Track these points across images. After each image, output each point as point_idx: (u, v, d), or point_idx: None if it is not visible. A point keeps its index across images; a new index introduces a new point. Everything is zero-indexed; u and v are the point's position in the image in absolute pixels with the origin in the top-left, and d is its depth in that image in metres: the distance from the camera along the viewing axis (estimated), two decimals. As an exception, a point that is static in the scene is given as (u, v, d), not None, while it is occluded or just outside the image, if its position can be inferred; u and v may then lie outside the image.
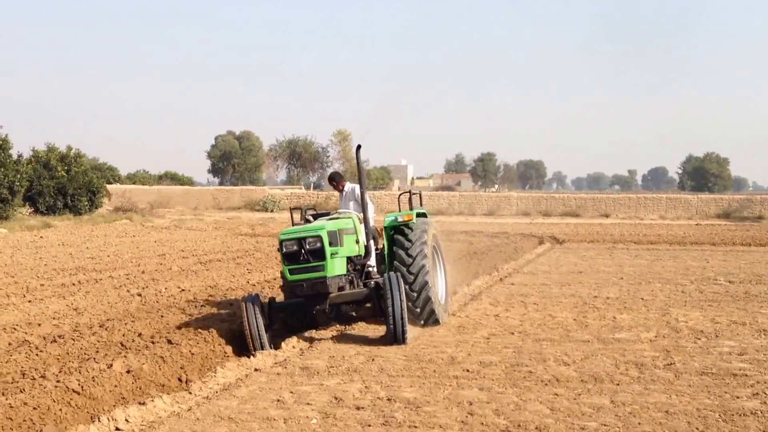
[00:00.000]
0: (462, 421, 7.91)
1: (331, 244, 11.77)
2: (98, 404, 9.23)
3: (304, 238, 11.70)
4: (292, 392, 9.22)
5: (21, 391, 8.96)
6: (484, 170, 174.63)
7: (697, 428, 7.57)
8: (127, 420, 8.21)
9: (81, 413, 8.77)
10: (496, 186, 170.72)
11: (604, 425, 7.69)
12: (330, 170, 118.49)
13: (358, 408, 8.54)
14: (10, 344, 11.86)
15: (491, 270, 22.77)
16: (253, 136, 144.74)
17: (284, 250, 11.77)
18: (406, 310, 11.54)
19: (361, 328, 13.23)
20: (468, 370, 10.13)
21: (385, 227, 13.53)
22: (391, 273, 11.88)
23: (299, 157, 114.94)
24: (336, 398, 8.92)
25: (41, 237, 35.90)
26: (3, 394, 8.89)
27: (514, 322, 13.71)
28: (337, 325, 13.52)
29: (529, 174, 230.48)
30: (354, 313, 14.00)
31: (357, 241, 12.92)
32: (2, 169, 44.71)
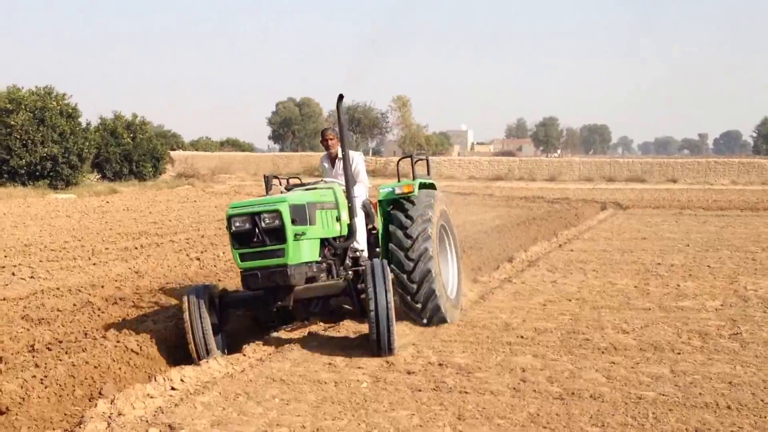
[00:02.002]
0: (514, 388, 7.83)
1: (294, 222, 9.11)
2: (155, 364, 9.52)
3: (258, 214, 9.01)
4: (344, 356, 9.24)
5: (83, 351, 9.19)
6: (546, 135, 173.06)
7: (762, 400, 7.35)
8: (182, 380, 8.30)
9: (139, 373, 9.01)
10: (558, 151, 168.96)
11: (663, 395, 7.53)
12: (389, 137, 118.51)
13: (409, 373, 8.50)
14: (74, 305, 12.07)
15: (550, 236, 22.54)
16: (313, 103, 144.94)
17: (233, 228, 9.05)
18: (393, 309, 8.99)
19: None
20: (522, 337, 10.04)
21: (379, 201, 11.05)
22: (375, 260, 9.31)
23: (358, 123, 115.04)
24: (387, 362, 8.90)
25: (107, 202, 36.48)
26: (66, 353, 9.14)
27: (572, 289, 13.54)
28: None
29: (592, 139, 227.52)
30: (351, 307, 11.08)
31: (338, 219, 10.30)
32: (72, 137, 45.59)
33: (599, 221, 28.32)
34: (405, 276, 10.30)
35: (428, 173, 12.32)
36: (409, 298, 10.36)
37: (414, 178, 11.33)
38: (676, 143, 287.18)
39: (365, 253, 11.11)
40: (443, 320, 10.54)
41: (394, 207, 10.90)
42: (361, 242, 11.07)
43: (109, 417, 7.19)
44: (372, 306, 8.89)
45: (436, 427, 6.73)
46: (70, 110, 46.97)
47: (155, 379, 8.30)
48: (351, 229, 10.27)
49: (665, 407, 7.16)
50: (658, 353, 9.14)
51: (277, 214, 9.00)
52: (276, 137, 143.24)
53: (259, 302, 9.88)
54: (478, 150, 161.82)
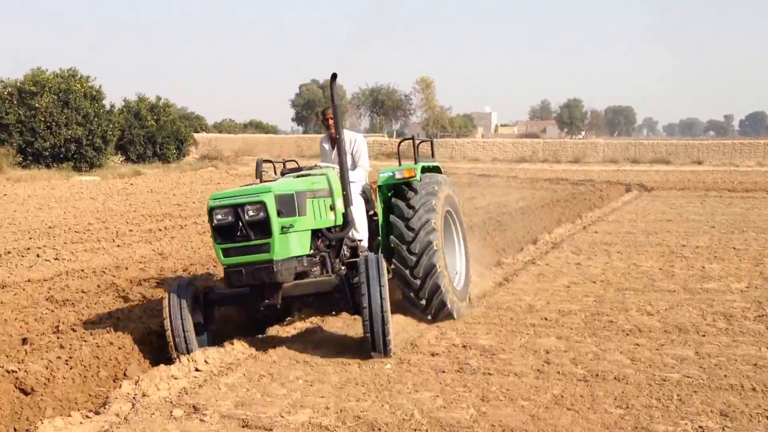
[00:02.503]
0: (538, 370, 7.82)
1: (281, 214, 8.38)
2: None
3: (242, 206, 8.30)
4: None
5: (107, 332, 9.25)
6: (570, 117, 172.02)
7: (786, 382, 7.32)
8: (206, 361, 8.34)
9: (162, 354, 8.99)
10: (583, 133, 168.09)
11: (688, 377, 7.49)
12: (413, 119, 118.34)
13: (432, 354, 8.51)
14: (98, 286, 12.14)
15: (574, 218, 22.44)
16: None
17: (214, 221, 8.38)
18: (388, 306, 8.27)
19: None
20: (546, 319, 10.02)
21: (379, 186, 10.33)
22: (370, 254, 8.57)
23: (382, 105, 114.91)
24: (412, 344, 8.90)
25: (131, 184, 36.63)
26: (90, 334, 9.20)
27: (596, 271, 13.49)
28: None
29: (617, 120, 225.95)
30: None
31: (332, 208, 9.48)
32: (96, 119, 45.76)
33: (624, 203, 28.18)
34: (408, 271, 9.61)
35: (432, 155, 11.75)
36: (412, 294, 9.70)
37: (416, 162, 10.59)
38: (701, 125, 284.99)
39: (365, 243, 10.22)
40: (449, 316, 9.88)
41: (395, 194, 10.19)
42: (360, 231, 10.15)
43: (134, 398, 7.24)
44: (365, 302, 8.18)
45: (459, 408, 6.73)
46: (94, 92, 47.08)
47: (179, 360, 8.35)
48: (347, 218, 9.41)
49: (690, 389, 7.13)
50: (682, 335, 9.10)
51: (262, 205, 8.26)
52: (299, 119, 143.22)
53: (246, 300, 9.07)
54: (501, 132, 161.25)
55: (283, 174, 9.96)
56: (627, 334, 9.19)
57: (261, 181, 9.47)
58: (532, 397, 6.99)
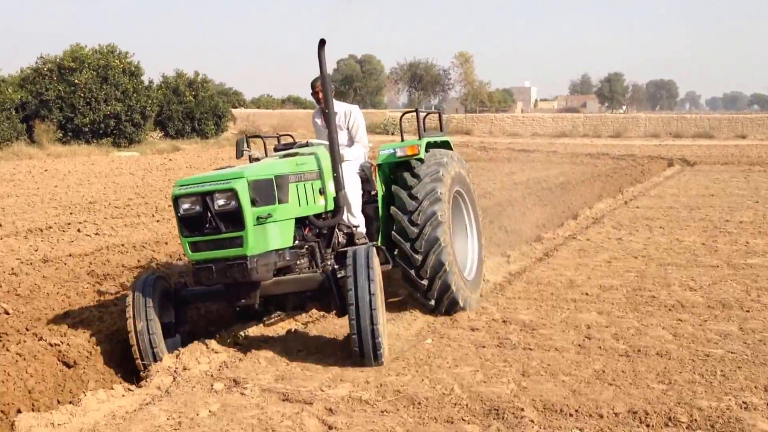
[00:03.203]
0: (579, 345, 7.79)
1: (256, 203, 7.34)
2: (220, 320, 9.63)
3: (210, 194, 7.25)
4: (410, 312, 9.24)
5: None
6: (611, 91, 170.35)
7: (830, 357, 7.23)
8: (245, 335, 8.40)
9: (203, 328, 9.07)
10: (624, 107, 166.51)
11: (731, 352, 7.42)
12: (452, 94, 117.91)
13: (473, 329, 8.51)
14: (138, 261, 12.26)
15: (615, 193, 22.30)
16: (374, 60, 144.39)
17: (180, 211, 7.34)
18: (379, 306, 7.32)
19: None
20: (587, 294, 9.97)
21: (379, 165, 9.38)
22: (359, 248, 7.57)
23: (420, 80, 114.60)
24: (451, 319, 8.91)
25: (170, 160, 36.89)
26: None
27: (638, 246, 13.39)
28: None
29: (659, 94, 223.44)
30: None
31: (321, 192, 8.46)
32: (135, 95, 46.12)
33: (666, 178, 27.91)
34: (413, 271, 8.82)
35: (441, 129, 10.64)
36: (413, 272, 8.83)
37: (420, 136, 9.54)
38: (745, 98, 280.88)
39: (362, 228, 9.25)
40: (455, 303, 8.98)
41: (396, 178, 9.34)
42: (356, 215, 9.16)
43: (175, 371, 7.30)
44: (351, 299, 7.23)
45: (500, 383, 6.72)
46: (133, 68, 47.44)
47: (219, 334, 8.42)
48: (338, 203, 8.41)
49: (734, 365, 7.07)
50: (726, 311, 9.02)
51: (232, 193, 7.19)
52: (337, 95, 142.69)
53: (221, 297, 8.12)
54: (541, 107, 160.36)
55: (276, 150, 9.32)
56: (669, 310, 9.12)
57: (251, 160, 9.12)
58: (573, 372, 6.96)
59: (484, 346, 7.85)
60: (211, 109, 55.05)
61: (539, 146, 48.83)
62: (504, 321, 8.80)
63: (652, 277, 10.81)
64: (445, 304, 8.95)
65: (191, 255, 7.41)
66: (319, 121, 9.73)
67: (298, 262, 8.20)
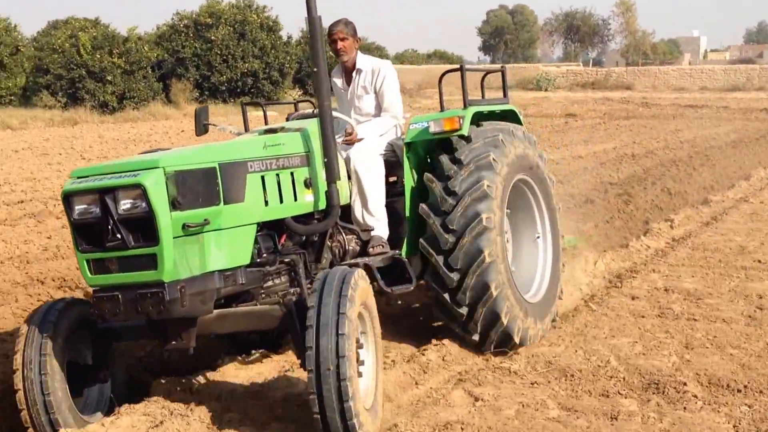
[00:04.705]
0: (749, 316, 7.64)
1: (179, 205, 5.37)
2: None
3: (111, 191, 5.35)
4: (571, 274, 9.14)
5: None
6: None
7: None
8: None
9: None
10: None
11: None
12: (612, 45, 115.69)
13: (633, 298, 8.45)
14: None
15: (795, 152, 21.54)
16: (527, 10, 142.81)
17: (73, 215, 5.46)
18: (349, 366, 5.18)
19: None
20: (759, 261, 9.74)
21: (407, 145, 7.29)
22: (329, 271, 5.65)
23: (577, 31, 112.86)
24: (610, 282, 8.87)
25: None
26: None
27: (819, 210, 12.96)
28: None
29: None
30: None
31: (308, 184, 6.56)
32: (273, 52, 46.98)
33: None
34: (447, 296, 6.95)
35: (504, 93, 8.11)
36: (447, 296, 6.96)
37: (466, 105, 7.37)
38: None
39: (379, 232, 7.15)
40: (508, 338, 7.01)
41: (436, 149, 7.37)
42: (375, 214, 7.09)
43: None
44: (310, 362, 5.23)
45: (660, 355, 6.66)
46: (271, 23, 48.26)
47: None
48: (331, 200, 6.55)
49: None
50: None
51: (140, 191, 5.28)
52: (486, 48, 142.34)
53: (147, 334, 6.26)
54: (711, 58, 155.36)
55: (288, 119, 7.91)
56: None
57: (234, 134, 7.55)
58: (743, 345, 6.84)
59: (643, 316, 7.79)
60: (352, 65, 55.65)
61: (708, 101, 47.42)
62: (666, 289, 8.68)
63: (835, 244, 10.47)
64: (494, 340, 7.01)
65: (89, 278, 5.55)
66: (338, 81, 7.82)
67: (266, 285, 6.36)
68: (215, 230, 5.67)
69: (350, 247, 6.98)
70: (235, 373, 7.03)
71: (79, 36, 42.06)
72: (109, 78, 41.43)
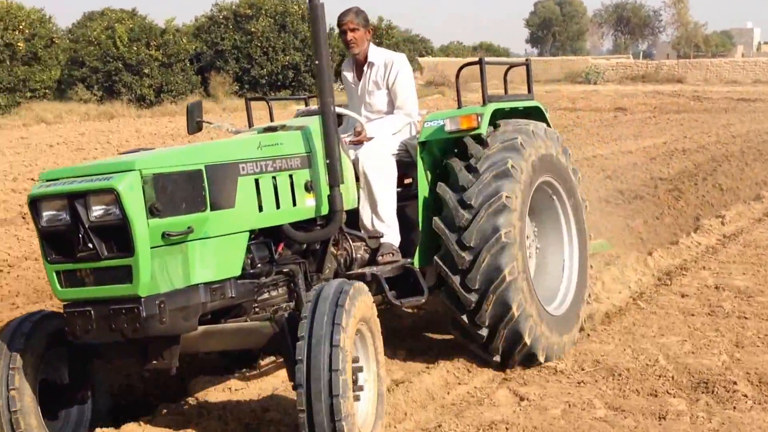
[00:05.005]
0: (802, 315, 7.61)
1: (158, 212, 4.98)
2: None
3: (81, 196, 4.95)
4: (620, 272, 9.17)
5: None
6: None
7: None
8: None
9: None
10: None
11: None
12: (662, 37, 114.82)
13: (682, 296, 8.44)
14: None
15: None
16: (576, 1, 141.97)
17: (41, 223, 5.09)
18: (349, 395, 4.90)
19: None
20: (816, 258, 9.67)
21: (421, 144, 6.85)
22: (327, 286, 5.24)
23: (627, 22, 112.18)
24: (660, 280, 8.84)
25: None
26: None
27: None
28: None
29: None
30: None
31: (309, 188, 6.15)
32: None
33: None
34: (465, 317, 6.55)
35: (529, 89, 7.65)
36: (465, 318, 6.56)
37: (485, 102, 6.90)
38: None
39: (390, 239, 6.78)
40: (532, 357, 6.67)
41: (451, 150, 6.96)
42: (385, 219, 6.74)
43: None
44: (300, 378, 4.89)
45: (710, 354, 6.65)
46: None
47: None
48: (333, 205, 6.11)
49: None
50: None
51: (114, 197, 4.88)
52: (534, 40, 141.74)
53: (127, 352, 5.71)
54: (765, 50, 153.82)
55: (297, 116, 7.34)
56: None
57: (232, 132, 7.20)
58: (795, 344, 6.82)
59: (693, 314, 7.77)
60: (395, 58, 55.67)
61: (761, 95, 46.90)
62: (716, 287, 8.65)
63: None
64: (517, 360, 6.70)
65: (58, 292, 5.18)
66: (349, 75, 7.52)
67: (261, 298, 5.94)
68: (201, 239, 5.28)
69: (358, 256, 6.62)
70: (276, 372, 6.94)
71: (116, 28, 42.19)
72: (146, 71, 41.61)
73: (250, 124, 7.91)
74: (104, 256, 4.94)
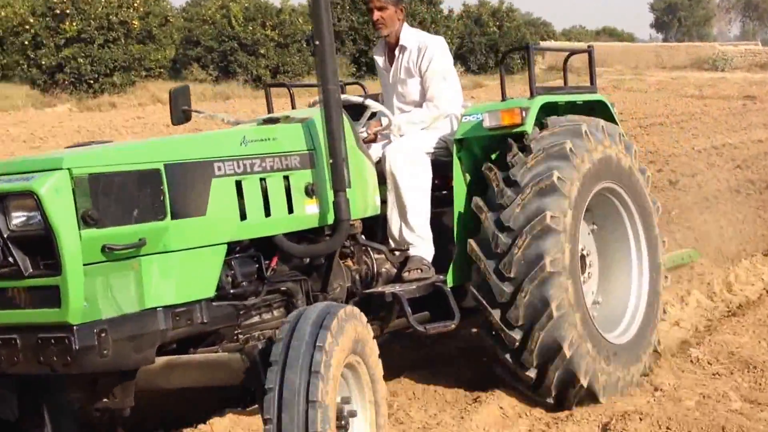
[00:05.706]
0: None
1: (91, 220, 4.14)
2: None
3: (2, 199, 4.14)
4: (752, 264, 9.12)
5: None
6: None
7: None
8: None
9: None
10: None
11: None
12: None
13: None
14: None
15: None
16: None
17: None
18: (328, 415, 4.14)
19: None
20: None
21: (457, 141, 6.06)
22: (310, 306, 4.62)
23: (755, 8, 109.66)
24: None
25: (472, 97, 37.22)
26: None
27: None
28: None
29: None
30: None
31: (310, 192, 5.32)
32: (433, 26, 47.05)
33: None
34: (508, 356, 5.80)
35: (591, 81, 6.88)
36: (508, 356, 5.80)
37: (533, 94, 6.10)
38: None
39: (421, 251, 5.96)
40: (591, 397, 5.89)
41: (492, 149, 6.19)
42: (416, 228, 5.93)
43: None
44: (269, 404, 4.15)
45: None
46: (430, -4, 48.48)
47: None
48: (339, 214, 5.19)
49: None
50: None
51: (34, 202, 4.06)
52: (659, 26, 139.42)
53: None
54: None
55: (310, 106, 6.81)
56: None
57: (230, 123, 6.37)
58: None
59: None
60: (516, 41, 55.30)
61: None
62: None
63: None
64: (573, 402, 5.88)
65: None
66: (380, 60, 6.74)
67: (248, 323, 5.14)
68: (159, 253, 4.45)
69: (382, 270, 5.85)
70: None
71: (230, 7, 42.59)
72: (262, 51, 41.91)
73: (270, 111, 7.00)
74: (28, 273, 4.14)
